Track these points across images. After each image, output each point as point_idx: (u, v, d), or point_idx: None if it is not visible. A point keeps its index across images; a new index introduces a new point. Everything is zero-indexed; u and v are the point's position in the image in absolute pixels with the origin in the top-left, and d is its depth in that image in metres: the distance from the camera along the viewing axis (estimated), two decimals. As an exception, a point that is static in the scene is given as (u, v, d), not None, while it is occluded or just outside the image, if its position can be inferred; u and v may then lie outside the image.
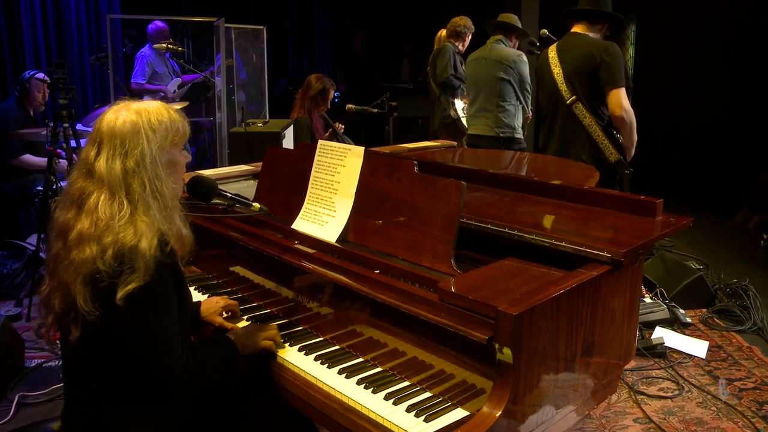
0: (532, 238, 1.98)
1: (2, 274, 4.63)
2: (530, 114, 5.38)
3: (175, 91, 6.88)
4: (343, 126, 5.36)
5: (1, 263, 4.71)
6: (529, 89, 5.14)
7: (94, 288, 1.62)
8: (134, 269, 1.61)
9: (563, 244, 1.91)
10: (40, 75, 5.10)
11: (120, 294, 1.60)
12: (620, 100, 3.70)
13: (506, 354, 1.55)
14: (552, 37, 4.32)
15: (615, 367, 2.03)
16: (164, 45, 5.88)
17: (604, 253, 1.83)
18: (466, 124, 5.79)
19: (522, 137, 5.22)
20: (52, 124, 4.28)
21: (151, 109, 1.78)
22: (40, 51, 5.96)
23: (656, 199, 2.16)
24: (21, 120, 5.10)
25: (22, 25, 5.70)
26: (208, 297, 2.41)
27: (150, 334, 1.68)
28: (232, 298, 2.37)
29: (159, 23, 6.75)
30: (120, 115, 1.74)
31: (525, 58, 5.10)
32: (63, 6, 6.24)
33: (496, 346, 1.56)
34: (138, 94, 6.79)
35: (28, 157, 5.15)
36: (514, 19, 5.27)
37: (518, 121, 5.13)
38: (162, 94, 6.88)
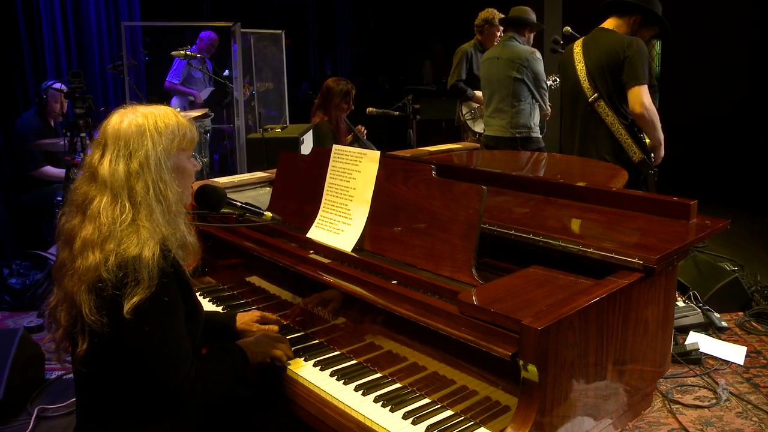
0: (559, 245, 1.87)
1: (25, 284, 4.62)
2: (548, 111, 5.24)
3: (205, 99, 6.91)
4: (364, 128, 5.26)
5: (23, 274, 4.71)
6: (545, 86, 4.99)
7: (98, 297, 1.56)
8: (138, 281, 1.55)
9: (591, 250, 1.80)
10: (57, 85, 5.09)
11: (126, 307, 1.54)
12: (641, 97, 3.55)
13: (531, 371, 1.45)
14: (575, 34, 4.19)
15: (649, 380, 1.91)
16: (182, 52, 5.86)
17: (636, 260, 1.71)
18: (473, 128, 5.69)
19: (539, 136, 5.07)
20: (69, 134, 4.26)
21: (158, 112, 1.73)
22: (61, 60, 5.96)
23: (690, 200, 2.04)
24: (41, 131, 5.09)
25: (42, 34, 5.70)
26: (222, 308, 2.35)
27: (158, 345, 1.62)
28: (247, 311, 2.31)
29: (212, 33, 6.80)
30: (126, 117, 1.69)
31: (538, 54, 4.94)
32: (83, 15, 6.25)
33: (521, 362, 1.46)
34: (169, 94, 6.82)
35: (49, 169, 5.13)
36: (526, 13, 5.06)
37: (535, 120, 4.99)
38: (192, 98, 6.89)
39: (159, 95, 6.72)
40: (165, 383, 1.64)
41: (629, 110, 3.64)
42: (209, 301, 2.44)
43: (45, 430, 3.17)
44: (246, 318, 2.13)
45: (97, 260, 1.57)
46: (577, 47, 3.87)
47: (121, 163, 1.64)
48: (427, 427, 1.61)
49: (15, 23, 5.42)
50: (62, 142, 4.61)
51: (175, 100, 6.82)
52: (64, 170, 4.81)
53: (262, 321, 2.14)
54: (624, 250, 1.75)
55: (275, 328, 2.09)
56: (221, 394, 1.81)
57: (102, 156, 1.67)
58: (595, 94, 3.71)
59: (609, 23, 3.78)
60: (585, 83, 3.75)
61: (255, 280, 2.40)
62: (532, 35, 5.18)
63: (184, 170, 1.79)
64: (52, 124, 5.28)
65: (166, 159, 1.69)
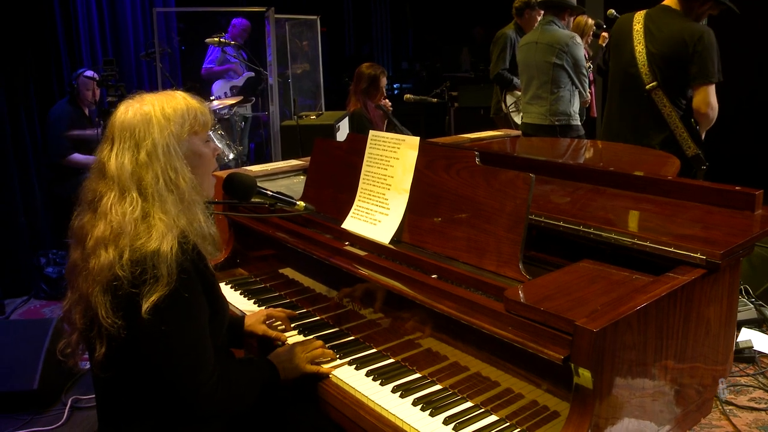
0: (611, 237, 1.74)
1: (61, 274, 4.64)
2: (588, 98, 5.06)
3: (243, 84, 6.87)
4: (388, 101, 4.95)
5: (60, 263, 4.73)
6: (585, 72, 4.80)
7: (114, 297, 1.48)
8: (157, 277, 1.46)
9: (648, 243, 1.67)
10: (89, 73, 5.05)
11: (145, 306, 1.45)
12: (708, 97, 3.33)
13: (584, 377, 1.32)
14: (619, 17, 3.99)
15: (709, 383, 1.77)
16: (216, 39, 5.79)
17: (698, 255, 1.58)
18: (516, 120, 5.52)
19: (579, 123, 4.90)
20: (102, 123, 4.22)
21: (165, 98, 1.64)
22: (96, 49, 5.95)
23: (755, 190, 1.88)
24: (71, 119, 5.03)
25: (78, 22, 5.69)
26: (253, 301, 2.27)
27: (178, 347, 1.53)
28: (279, 304, 2.22)
29: (244, 20, 6.75)
30: (131, 108, 1.61)
31: (579, 39, 4.75)
32: (118, 2, 6.23)
33: (573, 366, 1.34)
34: (209, 80, 6.79)
35: (77, 156, 5.06)
36: None
37: (575, 107, 4.81)
38: (233, 72, 6.86)
39: (195, 82, 6.67)
40: (183, 388, 1.56)
41: (685, 102, 3.43)
42: (240, 294, 2.36)
43: (79, 420, 3.16)
44: (252, 319, 2.04)
45: (111, 258, 1.48)
46: (638, 24, 3.55)
47: (127, 155, 1.56)
48: (470, 433, 1.51)
49: (51, 12, 5.41)
50: (97, 131, 4.57)
51: (217, 85, 6.78)
52: (92, 157, 4.78)
53: (271, 317, 2.06)
54: (684, 244, 1.61)
55: (283, 336, 1.99)
56: (244, 408, 1.71)
57: (110, 151, 1.59)
58: (654, 82, 3.47)
59: (671, 1, 3.50)
60: (644, 68, 3.48)
61: (288, 272, 2.31)
62: (571, 19, 5.00)
63: (200, 155, 1.69)
64: (87, 113, 5.25)
65: (176, 145, 1.60)
